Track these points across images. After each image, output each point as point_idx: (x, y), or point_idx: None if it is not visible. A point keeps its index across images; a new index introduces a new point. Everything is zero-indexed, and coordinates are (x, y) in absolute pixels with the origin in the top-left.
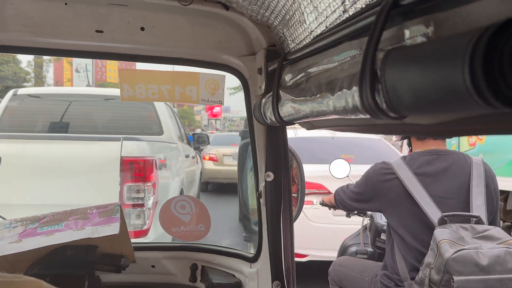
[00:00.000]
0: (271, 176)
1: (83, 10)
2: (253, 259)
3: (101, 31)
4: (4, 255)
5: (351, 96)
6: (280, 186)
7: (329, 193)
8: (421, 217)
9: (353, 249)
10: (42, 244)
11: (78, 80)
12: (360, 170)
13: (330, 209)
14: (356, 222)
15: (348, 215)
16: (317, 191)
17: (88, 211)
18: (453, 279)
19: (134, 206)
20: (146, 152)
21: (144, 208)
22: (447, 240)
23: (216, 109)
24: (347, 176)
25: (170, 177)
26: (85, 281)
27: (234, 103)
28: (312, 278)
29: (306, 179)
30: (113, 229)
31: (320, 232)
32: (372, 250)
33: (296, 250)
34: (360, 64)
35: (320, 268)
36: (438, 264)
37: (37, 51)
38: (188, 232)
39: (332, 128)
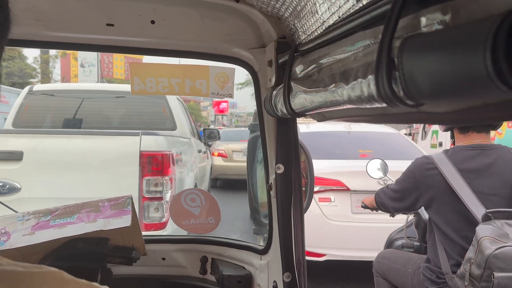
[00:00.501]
0: (281, 169)
1: (94, 3)
2: (263, 251)
3: (112, 25)
4: (17, 248)
5: (366, 85)
6: (290, 178)
7: (348, 190)
8: (464, 213)
9: (399, 242)
10: (54, 237)
11: (84, 75)
12: None
13: (372, 211)
14: (378, 220)
15: (392, 215)
16: (335, 188)
17: (100, 204)
18: (493, 275)
19: (153, 199)
20: (164, 146)
21: (163, 201)
22: (488, 237)
23: (223, 105)
24: (386, 176)
25: (185, 171)
26: (98, 274)
27: (241, 99)
28: (330, 278)
29: (324, 175)
30: (124, 221)
31: (339, 231)
32: (418, 244)
33: (313, 249)
34: (376, 52)
35: (338, 268)
36: (479, 260)
37: (49, 45)
38: (198, 225)
39: (344, 118)
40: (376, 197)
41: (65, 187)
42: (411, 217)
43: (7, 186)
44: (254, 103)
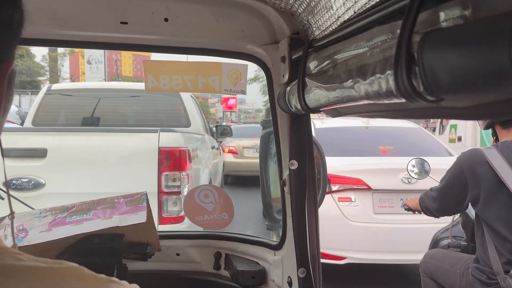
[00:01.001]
0: (295, 165)
1: (108, 2)
2: (277, 247)
3: (126, 23)
4: (34, 244)
5: (385, 80)
6: (304, 174)
7: (369, 189)
8: None
9: (445, 242)
10: (71, 233)
11: (91, 72)
12: (404, 163)
13: (414, 213)
14: (403, 221)
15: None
16: (356, 187)
17: (116, 200)
18: None
19: (171, 193)
20: (181, 143)
21: (181, 195)
22: None
23: (231, 101)
24: (428, 175)
25: (201, 167)
26: (114, 270)
27: (250, 95)
28: (351, 282)
29: (343, 174)
30: (140, 217)
31: (360, 232)
32: (465, 243)
33: (333, 252)
34: (394, 48)
35: (360, 271)
36: None
37: (64, 43)
38: (212, 221)
39: (360, 114)
40: (421, 202)
41: (87, 183)
42: (456, 216)
43: (32, 182)
44: (263, 99)
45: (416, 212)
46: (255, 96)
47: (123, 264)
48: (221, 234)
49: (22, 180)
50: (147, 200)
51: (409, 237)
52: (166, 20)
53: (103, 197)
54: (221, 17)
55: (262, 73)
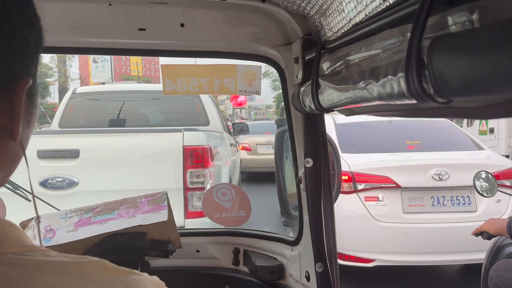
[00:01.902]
0: (310, 163)
1: (126, 10)
2: (294, 243)
3: (144, 29)
4: (61, 244)
5: (396, 82)
6: (319, 172)
7: (398, 187)
8: None
9: (510, 249)
10: (96, 232)
11: (97, 71)
12: (434, 159)
13: (490, 239)
14: (434, 220)
15: None
16: (383, 185)
17: (138, 200)
18: None
19: (195, 189)
20: (203, 141)
21: (204, 191)
22: None
23: (241, 98)
24: (497, 190)
25: (222, 164)
26: (138, 267)
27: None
28: (381, 286)
29: (369, 172)
30: (162, 216)
31: (389, 233)
32: None
33: (360, 254)
34: (405, 51)
35: (390, 274)
36: None
37: (85, 50)
38: (230, 218)
39: (373, 113)
40: (510, 223)
41: (117, 181)
42: None
43: (67, 181)
44: (273, 94)
45: (491, 237)
46: (265, 92)
47: (146, 261)
48: (239, 230)
49: (57, 179)
50: (168, 199)
51: (442, 237)
52: (182, 25)
53: (132, 194)
54: (235, 21)
55: (272, 69)
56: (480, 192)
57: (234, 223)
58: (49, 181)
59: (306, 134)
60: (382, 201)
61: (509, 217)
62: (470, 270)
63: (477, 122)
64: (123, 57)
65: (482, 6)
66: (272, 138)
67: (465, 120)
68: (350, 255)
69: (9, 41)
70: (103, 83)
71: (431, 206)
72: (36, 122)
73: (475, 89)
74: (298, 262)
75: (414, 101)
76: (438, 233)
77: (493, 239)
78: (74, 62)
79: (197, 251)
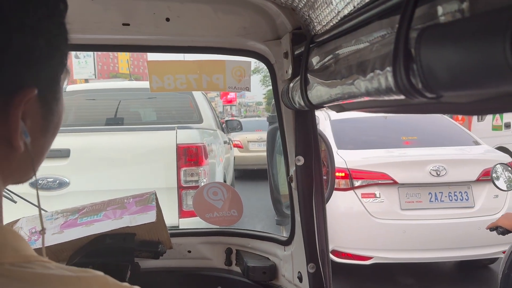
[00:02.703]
0: (301, 161)
1: (109, 4)
2: (286, 242)
3: (128, 24)
4: (48, 246)
5: (384, 77)
6: (311, 170)
7: (395, 183)
8: None
9: None
10: (82, 234)
11: (79, 67)
12: (431, 154)
13: (504, 235)
14: (432, 217)
15: None
16: (380, 182)
17: (125, 201)
18: None
19: (189, 188)
20: (197, 139)
21: None
22: None
23: (231, 95)
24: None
25: (216, 162)
26: (128, 269)
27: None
28: (378, 284)
29: (366, 168)
30: (150, 217)
31: (386, 230)
32: None
33: (358, 252)
34: (393, 43)
35: (388, 271)
36: None
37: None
38: (221, 218)
39: (363, 110)
40: None
41: (109, 180)
42: None
43: (57, 181)
44: (263, 91)
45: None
46: (255, 89)
47: (136, 263)
48: (232, 230)
49: (48, 179)
50: (156, 199)
51: (440, 234)
52: (167, 20)
53: (125, 194)
54: (223, 15)
55: (262, 65)
56: (500, 187)
57: (226, 222)
58: (39, 182)
59: (297, 132)
60: (379, 197)
61: None
62: (467, 266)
63: (489, 116)
64: (110, 54)
65: None
66: (263, 135)
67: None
68: (348, 253)
69: (3, 49)
70: (86, 80)
71: (428, 202)
72: (58, 129)
73: (465, 82)
74: (291, 262)
75: (403, 97)
76: (436, 230)
77: (510, 246)
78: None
79: (189, 251)
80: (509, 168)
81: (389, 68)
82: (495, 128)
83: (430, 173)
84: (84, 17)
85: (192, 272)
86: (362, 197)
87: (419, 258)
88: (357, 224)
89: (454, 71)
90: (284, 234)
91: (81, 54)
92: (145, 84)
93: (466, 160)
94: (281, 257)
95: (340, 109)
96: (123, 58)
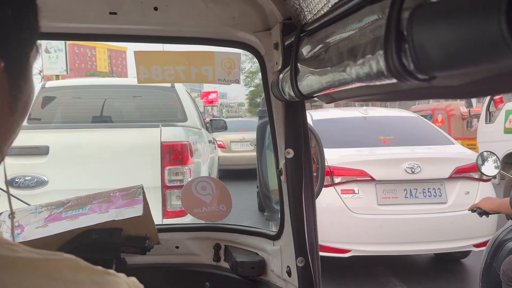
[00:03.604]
0: (291, 153)
1: None
2: (275, 237)
3: (115, 13)
4: (31, 240)
5: (375, 61)
6: (300, 163)
7: (372, 180)
8: None
9: (511, 244)
10: (67, 228)
11: (49, 62)
12: (407, 153)
13: (487, 216)
14: (407, 212)
15: None
16: (359, 178)
17: (112, 194)
18: None
19: (174, 187)
20: (182, 137)
21: None
22: None
23: (212, 95)
24: (500, 172)
25: (201, 161)
26: (112, 264)
27: (232, 88)
28: (357, 275)
29: (345, 165)
30: (136, 211)
31: (364, 225)
32: None
33: (337, 245)
34: (384, 26)
35: (366, 263)
36: None
37: (52, 36)
38: (210, 213)
39: (354, 99)
40: None
41: (90, 179)
42: None
43: (35, 179)
44: (245, 92)
45: (489, 215)
46: (238, 89)
47: (122, 258)
48: (220, 225)
49: (25, 178)
50: (144, 193)
51: (415, 228)
52: (155, 9)
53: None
54: (212, 4)
55: (245, 64)
56: (484, 172)
57: (214, 217)
58: (16, 180)
59: (287, 124)
60: (358, 193)
61: (510, 196)
62: (440, 260)
63: (501, 118)
64: (88, 52)
65: None
66: (246, 135)
67: (482, 116)
68: (327, 246)
69: None
70: (56, 76)
71: (404, 198)
72: (28, 109)
73: (458, 60)
74: (280, 257)
75: (394, 80)
76: (411, 224)
77: (493, 235)
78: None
79: (177, 247)
80: (493, 154)
81: (380, 52)
82: (508, 131)
83: (406, 170)
84: (71, 5)
85: (180, 268)
86: (341, 193)
87: (395, 251)
88: (336, 219)
89: (447, 49)
90: (273, 230)
91: (52, 48)
92: (127, 80)
93: (439, 158)
94: (270, 252)
95: (330, 99)
96: (101, 57)
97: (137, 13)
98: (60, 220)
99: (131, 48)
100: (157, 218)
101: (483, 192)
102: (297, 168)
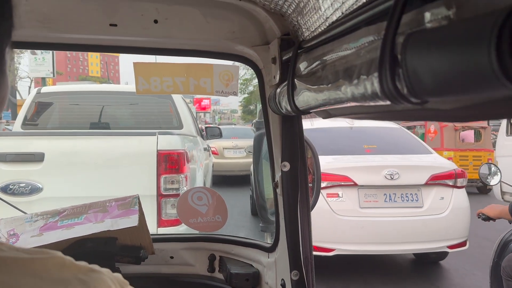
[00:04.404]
0: (287, 166)
1: (97, 4)
2: (270, 249)
3: (115, 25)
4: None
5: (370, 83)
6: (296, 176)
7: (355, 185)
8: None
9: None
10: (62, 237)
11: (35, 64)
12: (387, 161)
13: (489, 221)
14: (386, 214)
15: None
16: (343, 183)
17: (107, 204)
18: None
19: (170, 196)
20: (178, 145)
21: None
22: None
23: (205, 102)
24: (501, 180)
25: (197, 168)
26: None
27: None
28: (340, 272)
29: (331, 171)
30: (132, 221)
31: (347, 226)
32: None
33: (322, 244)
34: (379, 49)
35: (348, 262)
36: None
37: (53, 46)
38: (206, 223)
39: (349, 116)
40: None
41: (85, 187)
42: None
43: (30, 186)
44: (239, 99)
45: (491, 220)
46: (231, 96)
47: (116, 268)
48: (215, 236)
49: (20, 185)
50: (139, 203)
51: (394, 229)
52: (155, 22)
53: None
54: (211, 18)
55: (239, 71)
56: (484, 180)
57: (210, 228)
58: (10, 187)
59: (283, 137)
60: (342, 197)
61: (510, 203)
62: (419, 262)
63: None
64: (80, 56)
65: (460, 0)
66: (239, 142)
67: (502, 127)
68: (313, 245)
69: None
70: (43, 79)
71: (383, 202)
72: (3, 105)
73: (450, 88)
74: (274, 269)
75: (388, 102)
76: (390, 226)
77: (499, 237)
78: (23, 59)
79: (171, 257)
80: (493, 165)
81: (375, 74)
82: None
83: (385, 177)
84: (71, 16)
85: (174, 279)
86: (327, 197)
87: (375, 250)
88: (322, 220)
89: (439, 76)
90: (268, 241)
91: (38, 50)
92: (124, 87)
93: (416, 166)
94: (264, 264)
95: (326, 115)
96: (93, 61)
97: (137, 25)
98: (55, 229)
99: (124, 54)
100: (152, 227)
101: (456, 198)
102: (293, 181)
